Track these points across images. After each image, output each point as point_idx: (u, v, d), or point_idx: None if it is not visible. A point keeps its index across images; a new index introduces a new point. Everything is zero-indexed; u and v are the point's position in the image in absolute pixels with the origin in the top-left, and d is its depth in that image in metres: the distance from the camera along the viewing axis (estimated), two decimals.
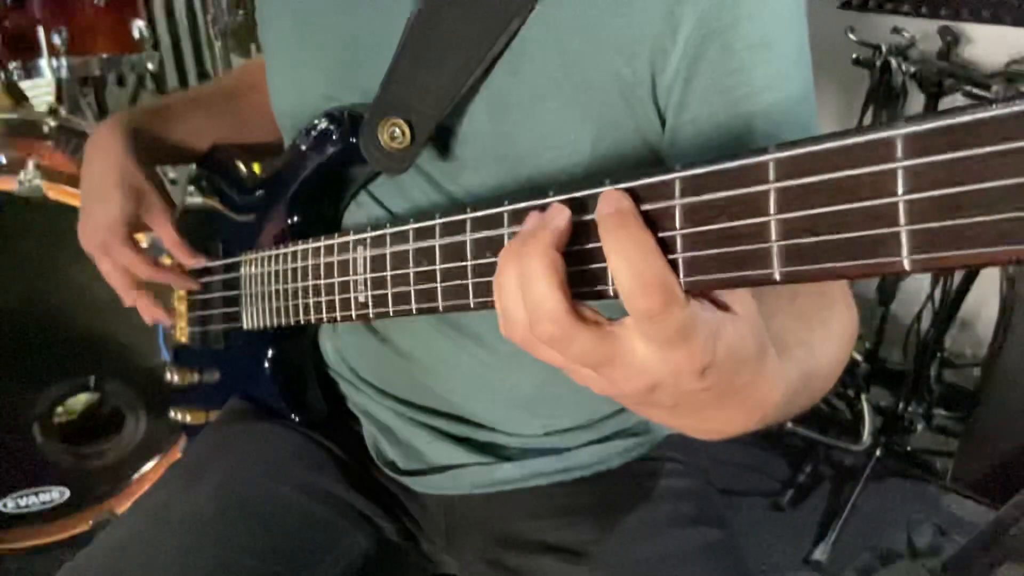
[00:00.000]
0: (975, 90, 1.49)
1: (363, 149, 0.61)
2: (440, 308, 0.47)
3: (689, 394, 0.37)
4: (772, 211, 0.30)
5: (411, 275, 0.50)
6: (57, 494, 1.44)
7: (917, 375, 1.73)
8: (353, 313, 0.58)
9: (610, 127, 0.58)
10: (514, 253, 0.37)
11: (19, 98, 1.63)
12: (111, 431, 1.47)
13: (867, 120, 1.71)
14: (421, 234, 0.48)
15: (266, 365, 0.77)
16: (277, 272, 0.70)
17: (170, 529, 0.67)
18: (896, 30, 1.70)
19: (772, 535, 1.63)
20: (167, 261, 0.85)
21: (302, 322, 0.67)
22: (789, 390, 0.42)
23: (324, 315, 0.63)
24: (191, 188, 0.89)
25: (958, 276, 1.66)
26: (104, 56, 1.57)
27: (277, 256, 0.70)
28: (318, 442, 0.78)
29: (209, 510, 0.69)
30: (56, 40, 1.47)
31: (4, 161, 1.34)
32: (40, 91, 1.67)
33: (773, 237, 0.30)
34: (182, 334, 0.94)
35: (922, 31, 1.72)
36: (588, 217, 0.37)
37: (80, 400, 1.46)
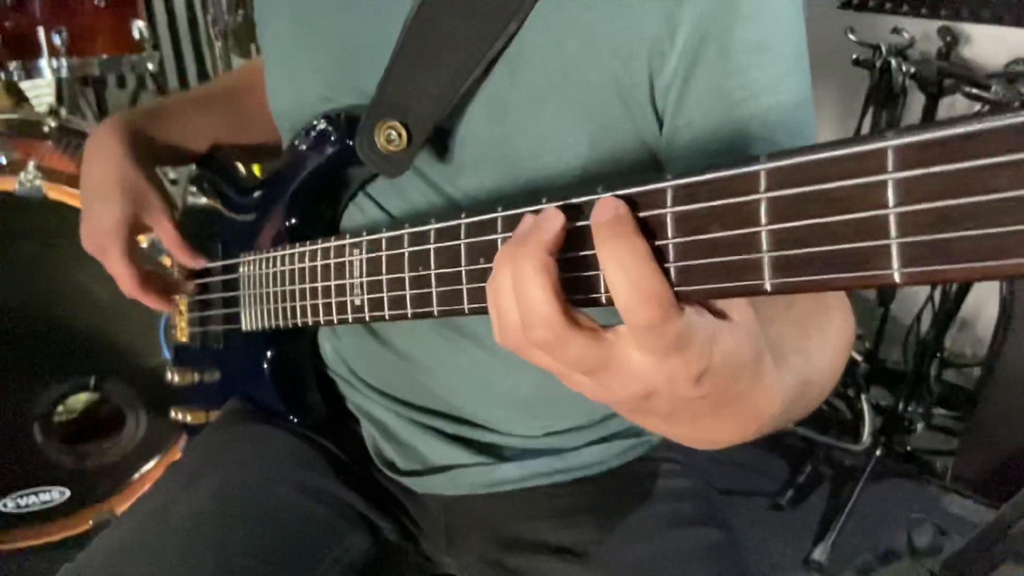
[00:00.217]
0: (975, 90, 1.48)
1: (359, 152, 0.61)
2: (435, 312, 0.47)
3: (685, 402, 0.36)
4: (763, 221, 0.30)
5: (407, 279, 0.49)
6: (57, 494, 1.44)
7: (917, 375, 1.73)
8: (349, 316, 0.58)
9: (608, 129, 0.58)
10: (508, 256, 0.36)
11: (19, 98, 1.63)
12: (111, 431, 1.47)
13: (867, 120, 1.71)
14: (416, 238, 0.48)
15: (265, 366, 0.77)
16: (274, 274, 0.70)
17: (170, 530, 0.67)
18: (896, 30, 1.70)
19: (772, 535, 1.63)
20: (167, 261, 0.85)
21: (299, 324, 0.67)
22: (786, 399, 0.41)
23: (321, 318, 0.63)
24: (193, 188, 0.89)
25: None
26: (104, 56, 1.56)
27: (274, 258, 0.70)
28: (318, 443, 0.78)
29: (209, 511, 0.69)
30: (56, 40, 1.47)
31: (4, 161, 1.34)
32: (40, 91, 1.67)
33: (764, 248, 0.30)
34: (183, 333, 0.94)
35: (922, 31, 1.72)
36: (581, 224, 0.37)
37: (80, 400, 1.46)
